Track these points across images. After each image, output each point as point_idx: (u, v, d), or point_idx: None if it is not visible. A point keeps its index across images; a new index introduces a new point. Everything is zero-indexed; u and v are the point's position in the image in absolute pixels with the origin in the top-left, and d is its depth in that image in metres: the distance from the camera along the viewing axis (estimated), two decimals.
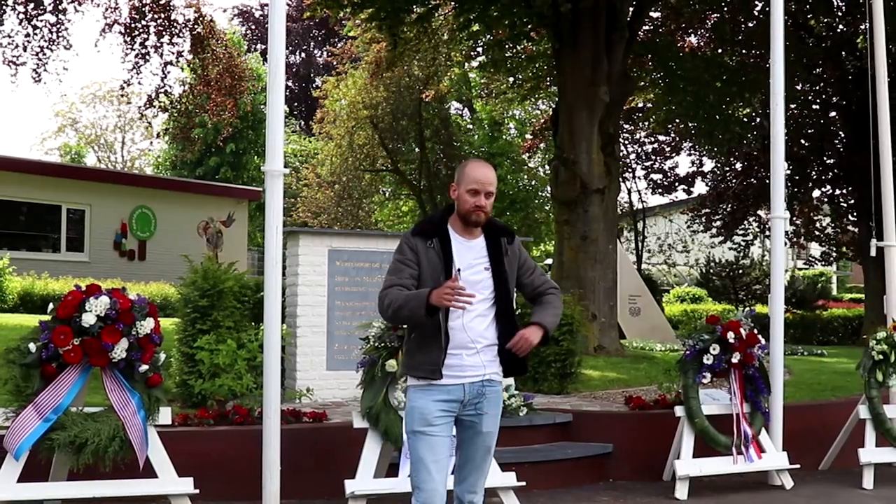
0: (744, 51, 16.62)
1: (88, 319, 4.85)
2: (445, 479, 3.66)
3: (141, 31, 15.53)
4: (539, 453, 6.77)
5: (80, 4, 15.10)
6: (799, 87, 18.38)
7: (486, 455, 3.80)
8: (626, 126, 22.94)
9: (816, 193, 21.50)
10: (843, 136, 19.67)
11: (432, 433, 3.63)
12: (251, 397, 6.59)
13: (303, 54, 42.60)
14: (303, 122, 38.45)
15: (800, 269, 27.92)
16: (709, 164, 23.47)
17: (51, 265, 17.63)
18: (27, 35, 14.90)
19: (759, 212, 21.79)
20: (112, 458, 4.91)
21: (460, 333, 3.66)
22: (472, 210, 3.72)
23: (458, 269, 3.65)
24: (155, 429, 5.17)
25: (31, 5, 14.69)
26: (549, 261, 20.25)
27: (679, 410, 6.76)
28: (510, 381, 8.13)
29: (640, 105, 21.40)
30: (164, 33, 15.59)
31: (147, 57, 15.68)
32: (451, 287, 3.47)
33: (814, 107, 19.81)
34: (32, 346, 4.87)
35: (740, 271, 23.44)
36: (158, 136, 27.81)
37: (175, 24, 15.63)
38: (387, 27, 14.43)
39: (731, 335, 6.69)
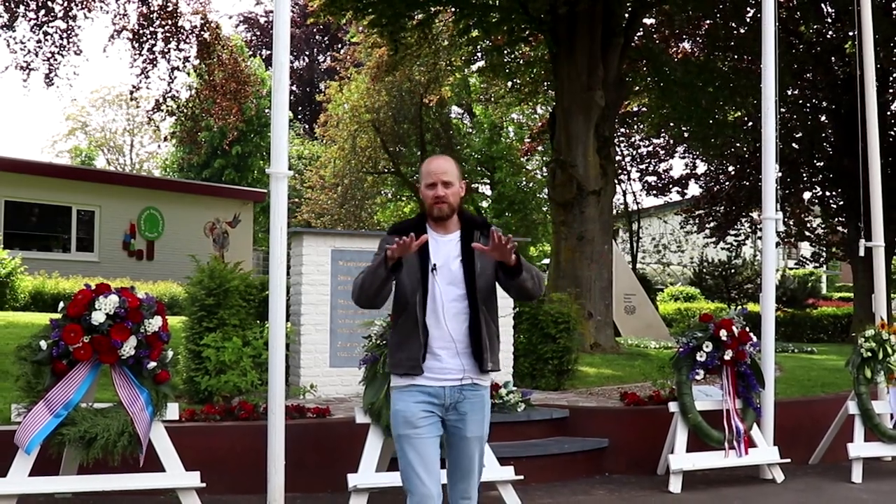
0: (736, 56, 16.62)
1: (98, 318, 4.85)
2: (437, 479, 3.52)
3: (149, 37, 15.53)
4: (536, 448, 6.77)
5: (89, 11, 15.10)
6: (790, 92, 18.37)
7: (472, 462, 3.64)
8: (622, 129, 22.95)
9: (807, 195, 21.52)
10: (832, 139, 19.68)
11: (417, 435, 3.51)
12: (256, 393, 6.60)
13: (306, 59, 42.61)
14: (306, 126, 38.46)
15: (790, 269, 27.93)
16: (702, 167, 23.50)
17: (61, 265, 17.62)
18: (38, 41, 14.90)
19: (751, 213, 21.80)
20: (121, 452, 4.92)
21: (441, 331, 3.55)
22: (433, 203, 3.62)
23: (434, 265, 3.57)
24: (162, 424, 5.18)
25: (43, 12, 14.70)
26: (547, 261, 20.26)
27: (673, 406, 6.76)
28: (508, 378, 8.14)
29: (635, 109, 21.40)
30: (171, 39, 15.59)
31: (155, 62, 15.68)
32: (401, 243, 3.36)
33: (804, 111, 19.81)
34: (43, 344, 4.87)
35: (732, 271, 23.48)
36: (166, 139, 27.84)
37: (182, 31, 15.63)
38: (388, 33, 14.42)
39: (723, 333, 6.69)
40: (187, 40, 15.74)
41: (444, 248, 3.64)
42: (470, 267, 3.60)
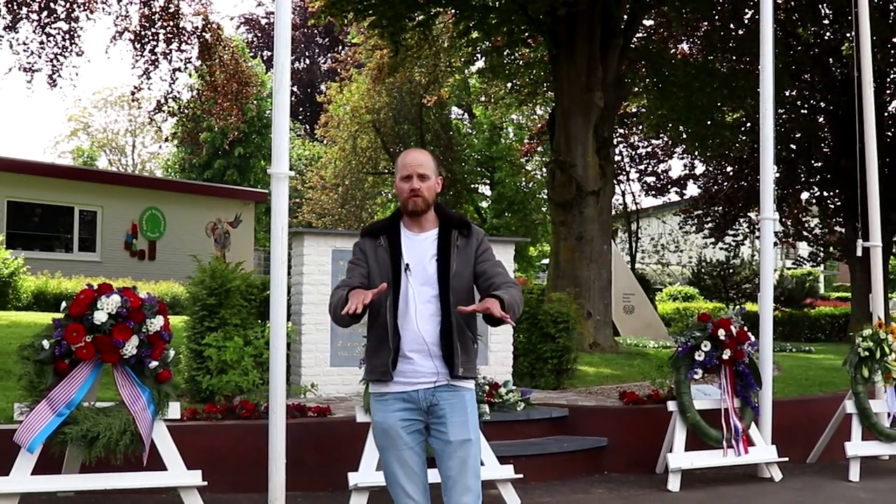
0: (734, 57, 16.62)
1: (100, 317, 4.85)
2: (422, 488, 3.41)
3: (150, 38, 15.53)
4: (536, 447, 6.77)
5: (91, 13, 15.11)
6: (787, 93, 18.37)
7: (462, 471, 3.33)
8: (621, 130, 22.95)
9: (805, 195, 21.51)
10: (830, 140, 19.68)
11: (397, 447, 3.38)
12: (257, 393, 6.60)
13: (307, 61, 42.62)
14: (307, 127, 38.47)
15: (788, 269, 27.93)
16: (700, 168, 23.50)
17: (64, 265, 17.63)
18: (41, 42, 14.91)
19: (749, 213, 21.81)
20: (123, 451, 4.92)
21: (414, 334, 3.35)
22: (407, 197, 3.42)
23: (407, 265, 3.40)
24: (164, 423, 5.18)
25: (45, 13, 14.70)
26: (546, 260, 20.26)
27: (671, 405, 6.76)
28: (508, 378, 8.14)
29: (634, 110, 21.41)
30: (172, 40, 15.59)
31: (156, 63, 15.69)
32: (362, 296, 3.19)
33: (802, 112, 19.81)
34: (46, 343, 4.87)
35: (731, 271, 23.48)
36: (167, 139, 27.87)
37: (183, 32, 15.64)
38: (388, 34, 14.43)
39: (721, 332, 6.69)
40: (189, 41, 15.75)
41: (419, 246, 3.44)
42: (445, 267, 3.39)
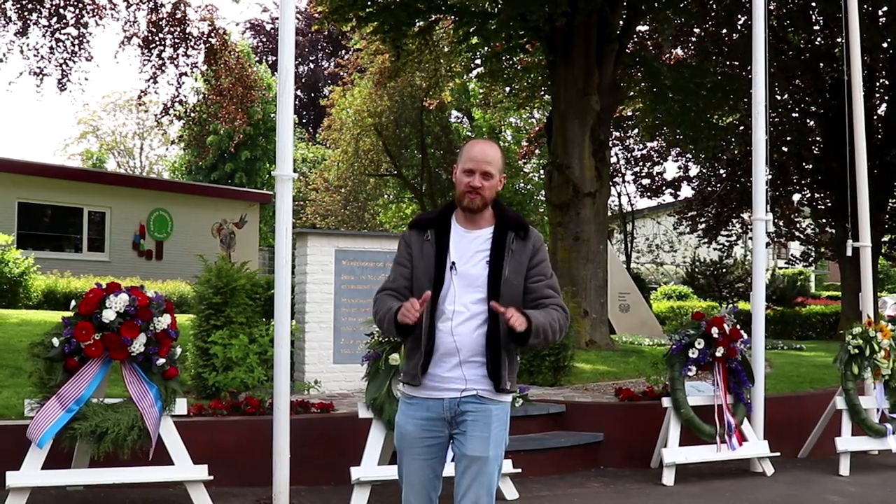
0: (727, 62, 16.61)
1: (109, 315, 4.86)
2: (425, 497, 3.17)
3: (158, 43, 15.53)
4: (534, 442, 6.77)
5: (100, 19, 15.11)
6: (779, 97, 18.37)
7: (474, 484, 3.06)
8: (616, 133, 22.96)
9: (796, 197, 21.52)
10: (821, 142, 19.68)
11: (412, 455, 3.14)
12: (262, 389, 6.60)
13: (311, 65, 42.61)
14: (311, 130, 38.45)
15: (780, 268, 27.91)
16: (694, 169, 23.51)
17: (73, 264, 17.63)
18: (51, 47, 14.91)
19: (741, 214, 21.82)
20: (131, 446, 4.92)
21: (447, 338, 3.06)
22: (465, 191, 3.10)
23: (453, 263, 3.08)
24: (171, 419, 5.18)
25: (55, 19, 14.71)
26: None
27: (666, 401, 6.76)
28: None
29: (629, 113, 21.41)
30: (179, 46, 15.59)
31: (163, 68, 15.69)
32: (412, 305, 2.97)
33: (793, 115, 19.81)
34: (56, 341, 4.87)
35: (724, 270, 23.49)
36: (173, 142, 27.84)
37: (190, 37, 15.63)
38: (390, 40, 14.43)
39: (715, 330, 6.70)
40: (195, 46, 15.75)
41: (470, 245, 3.13)
42: (497, 270, 3.06)
